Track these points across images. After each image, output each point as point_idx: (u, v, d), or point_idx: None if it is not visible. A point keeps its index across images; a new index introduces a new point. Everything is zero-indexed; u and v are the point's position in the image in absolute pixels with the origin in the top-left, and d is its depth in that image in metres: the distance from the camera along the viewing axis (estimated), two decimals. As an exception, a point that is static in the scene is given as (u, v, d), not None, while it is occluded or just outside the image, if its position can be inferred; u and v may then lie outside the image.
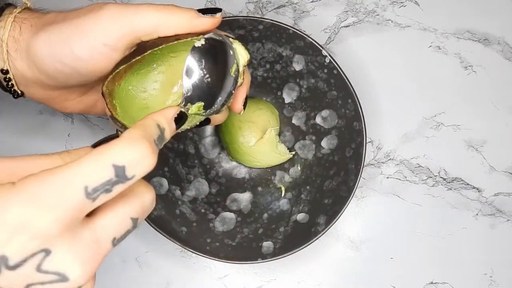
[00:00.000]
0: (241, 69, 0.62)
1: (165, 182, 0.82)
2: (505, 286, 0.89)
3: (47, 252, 0.42)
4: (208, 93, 0.60)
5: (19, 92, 0.66)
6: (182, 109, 0.55)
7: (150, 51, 0.59)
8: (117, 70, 0.60)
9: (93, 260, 0.44)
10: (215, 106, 0.61)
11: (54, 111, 0.87)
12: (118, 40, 0.59)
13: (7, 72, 0.63)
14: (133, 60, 0.60)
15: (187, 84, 0.59)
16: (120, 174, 0.43)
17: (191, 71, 0.59)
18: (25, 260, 0.41)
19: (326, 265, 0.88)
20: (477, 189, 0.90)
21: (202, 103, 0.60)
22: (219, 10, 0.61)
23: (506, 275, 0.89)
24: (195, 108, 0.60)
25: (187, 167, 0.86)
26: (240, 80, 0.63)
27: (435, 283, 0.88)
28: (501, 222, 0.90)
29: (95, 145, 0.48)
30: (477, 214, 0.90)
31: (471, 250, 0.89)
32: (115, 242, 0.46)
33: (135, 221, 0.47)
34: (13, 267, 0.41)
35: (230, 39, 0.62)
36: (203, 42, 0.59)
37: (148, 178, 0.80)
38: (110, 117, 0.61)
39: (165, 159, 0.83)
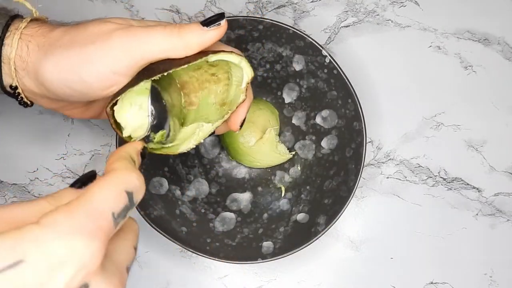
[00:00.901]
0: (244, 85, 0.65)
1: (165, 182, 0.82)
2: (505, 286, 0.89)
3: (86, 286, 0.41)
4: (166, 121, 0.63)
5: (29, 103, 0.67)
6: (145, 145, 0.57)
7: (158, 75, 0.60)
8: (123, 94, 0.61)
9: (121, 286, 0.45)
10: (172, 133, 0.65)
11: (54, 111, 0.87)
12: (128, 68, 0.60)
13: (16, 88, 0.64)
14: (139, 84, 0.60)
15: (153, 113, 0.61)
16: (131, 199, 0.45)
17: (154, 104, 0.61)
18: None
19: (326, 265, 0.88)
20: (477, 189, 0.90)
21: (164, 131, 0.63)
22: (222, 16, 0.61)
23: (506, 275, 0.89)
24: (159, 136, 0.63)
25: (187, 167, 0.86)
26: (242, 96, 0.66)
27: (435, 283, 0.88)
28: (501, 222, 0.90)
29: (74, 185, 0.48)
30: (477, 214, 0.90)
31: (471, 250, 0.89)
32: (128, 270, 0.48)
33: (135, 250, 0.49)
34: None
35: (236, 55, 0.63)
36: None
37: (148, 178, 0.81)
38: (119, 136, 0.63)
39: (165, 159, 0.84)
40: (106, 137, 0.88)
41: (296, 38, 0.80)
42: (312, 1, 0.92)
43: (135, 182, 0.46)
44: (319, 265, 0.88)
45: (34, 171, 0.87)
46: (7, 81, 0.64)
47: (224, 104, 0.68)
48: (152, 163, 0.81)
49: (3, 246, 0.38)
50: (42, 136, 0.87)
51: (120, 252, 0.47)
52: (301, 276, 0.88)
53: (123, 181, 0.45)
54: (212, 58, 0.62)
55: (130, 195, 0.45)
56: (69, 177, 0.87)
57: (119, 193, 0.44)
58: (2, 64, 0.62)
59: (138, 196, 0.46)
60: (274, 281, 0.87)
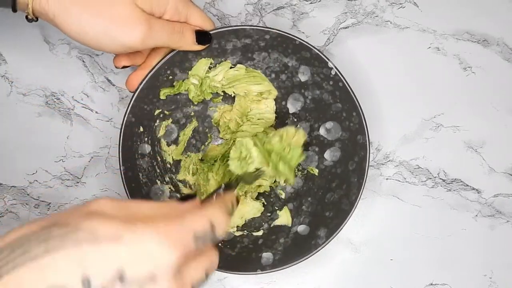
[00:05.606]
0: None
1: (166, 189, 0.82)
2: (505, 287, 0.90)
3: (153, 278, 0.46)
4: None
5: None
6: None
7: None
8: None
9: None
10: None
11: (53, 113, 0.87)
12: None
13: None
14: None
15: None
16: (213, 230, 0.52)
17: None
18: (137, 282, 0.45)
19: (326, 267, 0.89)
20: (477, 190, 0.91)
21: None
22: (209, 39, 0.78)
23: (506, 277, 0.90)
24: None
25: (188, 174, 0.86)
26: None
27: (435, 284, 0.89)
28: (501, 223, 0.90)
29: (182, 198, 0.56)
30: (476, 215, 0.90)
31: (470, 251, 0.90)
32: None
33: (207, 276, 0.54)
34: (125, 283, 0.45)
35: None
36: None
37: (150, 184, 0.81)
38: None
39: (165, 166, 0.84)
40: (105, 139, 0.88)
41: (302, 49, 0.80)
42: (311, 3, 0.92)
43: (221, 219, 0.53)
44: (319, 267, 0.88)
45: (33, 174, 0.87)
46: None
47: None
48: (153, 170, 0.81)
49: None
50: (41, 138, 0.87)
51: (192, 270, 0.51)
52: (301, 278, 0.88)
53: (212, 214, 0.52)
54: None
55: (213, 226, 0.51)
56: (68, 179, 0.87)
57: (204, 220, 0.51)
58: None
59: (220, 231, 0.52)
60: (274, 283, 0.88)
